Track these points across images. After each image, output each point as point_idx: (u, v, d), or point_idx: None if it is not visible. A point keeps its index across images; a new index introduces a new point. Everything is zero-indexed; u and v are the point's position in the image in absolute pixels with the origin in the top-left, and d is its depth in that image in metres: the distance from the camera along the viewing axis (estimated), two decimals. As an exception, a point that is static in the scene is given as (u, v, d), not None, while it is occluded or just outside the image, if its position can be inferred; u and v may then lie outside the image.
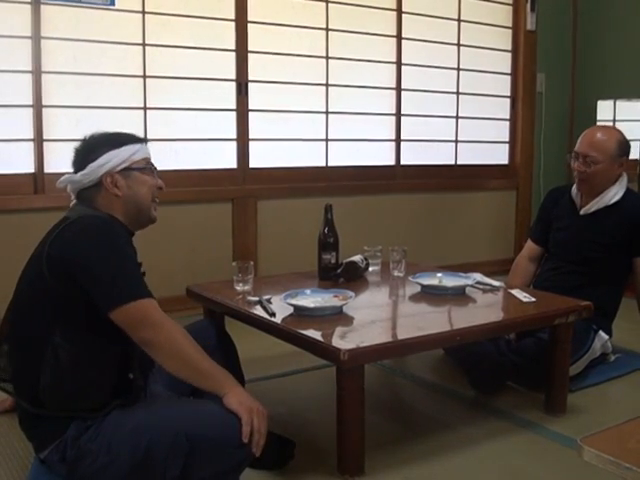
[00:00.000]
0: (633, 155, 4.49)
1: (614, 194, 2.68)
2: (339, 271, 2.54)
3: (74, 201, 1.79)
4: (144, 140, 1.83)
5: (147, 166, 1.80)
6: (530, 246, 2.99)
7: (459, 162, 4.65)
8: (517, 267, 2.99)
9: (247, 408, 1.56)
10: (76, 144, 1.79)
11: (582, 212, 2.74)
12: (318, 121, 4.04)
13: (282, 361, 2.79)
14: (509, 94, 4.81)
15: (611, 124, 4.67)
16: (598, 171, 2.64)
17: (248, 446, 1.55)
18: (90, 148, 1.75)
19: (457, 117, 4.61)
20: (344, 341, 1.89)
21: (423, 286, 2.46)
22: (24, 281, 1.68)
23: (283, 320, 2.06)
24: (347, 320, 2.09)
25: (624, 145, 2.69)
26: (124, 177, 1.74)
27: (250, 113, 3.79)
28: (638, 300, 2.75)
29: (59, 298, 1.59)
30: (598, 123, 4.66)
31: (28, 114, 3.22)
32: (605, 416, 2.30)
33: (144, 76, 3.48)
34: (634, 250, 2.68)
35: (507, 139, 4.85)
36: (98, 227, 1.63)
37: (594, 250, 2.67)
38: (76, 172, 1.75)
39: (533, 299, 2.33)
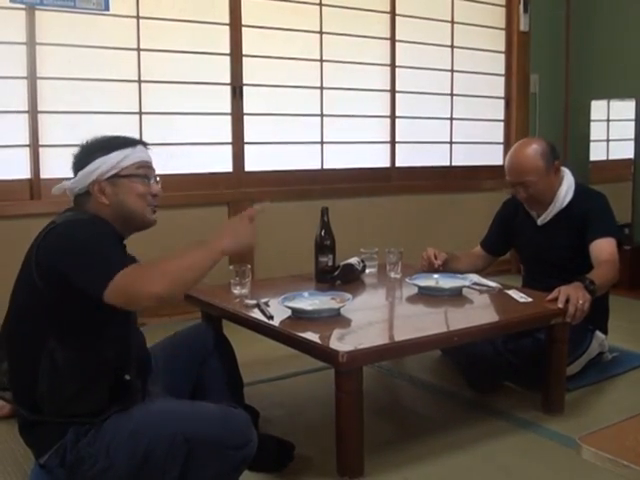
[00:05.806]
0: (627, 155, 4.57)
1: (564, 196, 2.64)
2: (336, 273, 2.55)
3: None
4: (140, 143, 1.78)
5: (137, 172, 1.72)
6: (478, 249, 2.96)
7: (454, 163, 4.67)
8: (465, 254, 2.95)
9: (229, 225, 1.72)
10: (75, 149, 1.77)
11: (540, 223, 2.70)
12: (313, 124, 4.06)
13: (280, 364, 2.79)
14: (503, 95, 4.84)
15: (605, 124, 4.70)
16: (539, 189, 2.60)
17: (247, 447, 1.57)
18: (84, 154, 1.73)
19: (451, 118, 4.63)
20: (342, 343, 1.89)
21: (420, 287, 2.46)
22: (17, 288, 1.67)
23: (281, 323, 2.06)
24: (345, 322, 2.09)
25: (549, 154, 2.62)
26: (111, 185, 1.70)
27: (245, 116, 3.80)
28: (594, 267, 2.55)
29: (51, 302, 1.58)
30: (592, 123, 4.69)
31: (23, 120, 3.22)
32: (603, 414, 2.31)
33: (139, 80, 3.49)
34: (587, 239, 2.56)
35: (501, 140, 4.87)
36: (80, 225, 1.61)
37: (563, 255, 2.63)
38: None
39: (530, 299, 2.34)
